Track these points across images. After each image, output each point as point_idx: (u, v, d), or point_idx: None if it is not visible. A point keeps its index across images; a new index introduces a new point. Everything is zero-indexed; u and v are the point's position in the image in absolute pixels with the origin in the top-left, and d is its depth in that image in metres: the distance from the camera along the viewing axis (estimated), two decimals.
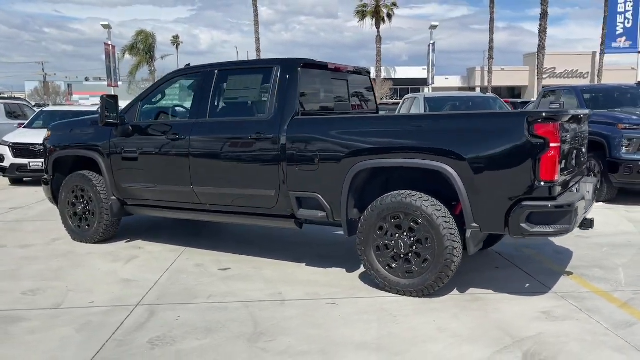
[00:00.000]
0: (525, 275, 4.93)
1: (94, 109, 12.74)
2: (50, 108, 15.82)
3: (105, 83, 30.33)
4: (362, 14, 52.14)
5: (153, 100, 6.04)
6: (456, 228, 4.19)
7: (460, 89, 47.89)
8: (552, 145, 3.79)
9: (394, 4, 52.39)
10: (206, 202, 5.44)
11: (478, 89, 44.64)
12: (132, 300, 4.43)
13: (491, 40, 46.41)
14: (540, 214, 3.88)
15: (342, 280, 4.89)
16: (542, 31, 32.72)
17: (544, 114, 3.85)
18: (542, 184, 3.85)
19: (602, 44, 45.18)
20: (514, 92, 49.48)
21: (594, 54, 48.12)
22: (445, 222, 4.15)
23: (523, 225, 3.90)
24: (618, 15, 15.81)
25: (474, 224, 4.07)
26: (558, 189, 3.93)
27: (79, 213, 6.34)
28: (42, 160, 7.19)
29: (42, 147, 7.34)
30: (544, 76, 39.92)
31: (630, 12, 15.80)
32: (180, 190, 5.52)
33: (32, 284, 4.88)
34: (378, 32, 52.58)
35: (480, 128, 4.06)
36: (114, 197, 6.05)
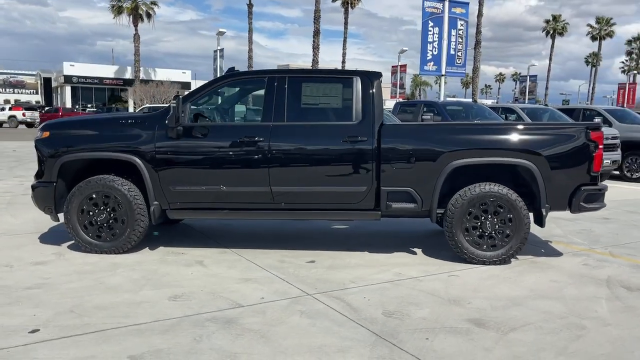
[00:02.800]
0: (530, 246, 6.57)
1: None
2: None
3: None
4: (118, 9, 49.84)
5: (200, 102, 5.99)
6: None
7: None
8: (600, 146, 5.51)
9: (154, 3, 51.41)
10: (282, 201, 5.75)
11: None
12: (293, 292, 4.71)
13: (250, 50, 49.32)
14: (592, 195, 5.58)
15: (422, 260, 5.85)
16: (316, 47, 36.60)
17: (595, 125, 5.55)
18: (594, 174, 5.54)
19: (343, 62, 51.95)
20: None
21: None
22: (524, 204, 5.54)
23: (582, 203, 5.54)
24: (428, 44, 19.50)
25: (547, 205, 5.56)
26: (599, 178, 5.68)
27: (101, 222, 5.84)
28: None
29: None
30: None
31: (437, 42, 19.64)
32: (254, 191, 5.71)
33: (154, 293, 4.65)
34: (136, 30, 50.98)
35: (554, 134, 5.56)
36: (156, 202, 5.81)
